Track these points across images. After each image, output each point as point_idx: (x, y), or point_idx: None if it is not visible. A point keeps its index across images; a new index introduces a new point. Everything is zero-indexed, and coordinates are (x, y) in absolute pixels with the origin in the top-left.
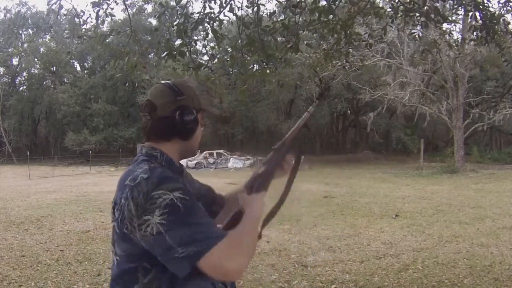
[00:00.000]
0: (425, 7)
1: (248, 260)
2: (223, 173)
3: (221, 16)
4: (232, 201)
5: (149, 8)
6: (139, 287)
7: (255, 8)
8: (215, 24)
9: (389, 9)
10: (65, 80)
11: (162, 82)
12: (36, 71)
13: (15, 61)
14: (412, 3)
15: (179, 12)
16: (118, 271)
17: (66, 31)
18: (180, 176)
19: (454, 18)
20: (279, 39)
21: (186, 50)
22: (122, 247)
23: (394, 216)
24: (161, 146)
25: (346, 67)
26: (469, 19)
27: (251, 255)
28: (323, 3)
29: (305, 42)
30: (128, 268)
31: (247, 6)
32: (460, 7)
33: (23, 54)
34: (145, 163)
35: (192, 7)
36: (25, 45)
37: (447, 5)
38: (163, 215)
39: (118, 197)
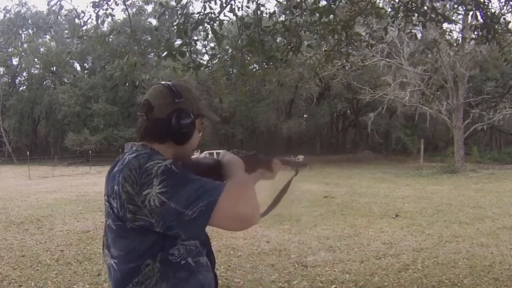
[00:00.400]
0: (425, 7)
1: (257, 203)
2: None
3: (221, 17)
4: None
5: (149, 8)
6: None
7: (255, 8)
8: (215, 24)
9: (389, 9)
10: (65, 80)
11: (162, 82)
12: (36, 71)
13: (15, 61)
14: (412, 3)
15: (179, 12)
16: (119, 274)
17: (66, 31)
18: None
19: (454, 17)
20: (279, 39)
21: (186, 50)
22: (121, 244)
23: (394, 216)
24: (154, 147)
25: (346, 67)
26: (470, 19)
27: (257, 201)
28: (324, 3)
29: (305, 42)
30: (129, 269)
31: (247, 7)
32: (460, 6)
33: (23, 54)
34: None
35: (193, 6)
36: (25, 45)
37: (447, 5)
38: (162, 182)
39: (109, 187)
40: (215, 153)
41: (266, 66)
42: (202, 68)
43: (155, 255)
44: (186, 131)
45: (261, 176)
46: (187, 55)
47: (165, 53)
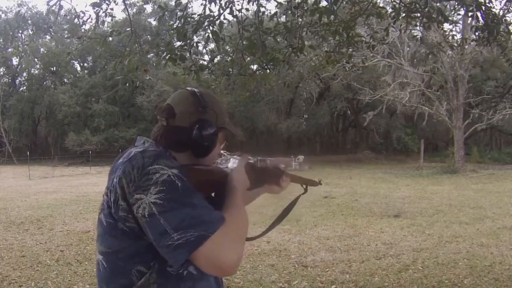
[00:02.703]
0: (427, 8)
1: (243, 248)
2: None
3: (221, 19)
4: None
5: (148, 8)
6: None
7: (256, 10)
8: (215, 27)
9: (390, 10)
10: (65, 80)
11: (189, 88)
12: (36, 71)
13: (15, 61)
14: (413, 3)
15: (178, 15)
16: (108, 272)
17: (66, 32)
18: None
19: (455, 18)
20: (279, 39)
21: (187, 52)
22: (109, 243)
23: (394, 216)
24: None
25: (347, 68)
26: (470, 20)
27: (243, 247)
28: (324, 3)
29: (306, 43)
30: (118, 268)
31: (246, 9)
32: (461, 7)
33: (23, 54)
34: (141, 145)
35: (192, 9)
36: (25, 46)
37: (448, 6)
38: (159, 193)
39: (110, 180)
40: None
41: (267, 68)
42: (203, 71)
43: (147, 262)
44: (207, 144)
45: (267, 190)
46: (188, 57)
47: (166, 56)
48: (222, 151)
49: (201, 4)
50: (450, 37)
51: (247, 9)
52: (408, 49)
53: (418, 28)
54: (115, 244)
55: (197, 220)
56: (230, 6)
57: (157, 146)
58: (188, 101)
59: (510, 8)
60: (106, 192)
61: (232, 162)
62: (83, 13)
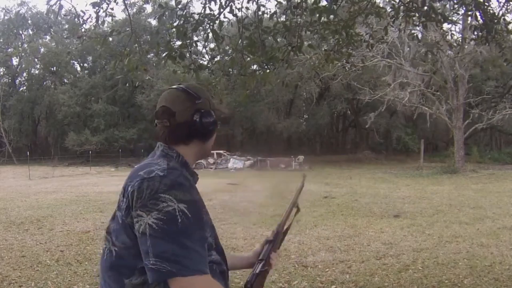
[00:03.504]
0: (426, 7)
1: None
2: (223, 174)
3: (221, 18)
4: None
5: (148, 8)
6: (130, 283)
7: (255, 9)
8: (215, 25)
9: (389, 9)
10: (65, 81)
11: (175, 87)
12: (36, 72)
13: (15, 61)
14: (412, 3)
15: (178, 13)
16: (115, 261)
17: (66, 32)
18: (193, 179)
19: (454, 18)
20: (279, 39)
21: (186, 51)
22: (122, 239)
23: (394, 216)
24: (178, 148)
25: (347, 68)
26: (470, 19)
27: None
28: (324, 3)
29: (305, 43)
30: (125, 264)
31: (247, 8)
32: (460, 7)
33: (23, 54)
34: (164, 160)
35: (193, 7)
36: (25, 45)
37: (448, 5)
38: (158, 220)
39: (127, 184)
40: (215, 154)
41: (266, 67)
42: (203, 70)
43: None
44: (211, 128)
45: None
46: (188, 56)
47: (165, 54)
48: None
49: (201, 3)
50: (449, 36)
51: (247, 8)
52: (408, 49)
53: (418, 28)
54: (127, 241)
55: (176, 258)
56: (230, 4)
57: (170, 149)
58: (181, 98)
59: (509, 7)
60: (123, 192)
61: (232, 162)
62: (83, 12)
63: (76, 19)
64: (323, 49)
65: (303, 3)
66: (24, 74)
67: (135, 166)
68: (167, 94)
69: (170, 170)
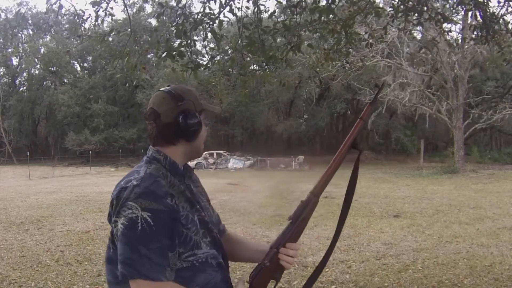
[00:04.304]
0: (425, 7)
1: None
2: (223, 174)
3: (221, 17)
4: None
5: (148, 8)
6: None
7: (255, 9)
8: (214, 25)
9: (389, 9)
10: (65, 81)
11: (162, 89)
12: (36, 72)
13: (15, 61)
14: (411, 2)
15: (178, 12)
16: (111, 256)
17: (66, 32)
18: (182, 179)
19: (454, 17)
20: (279, 39)
21: (185, 50)
22: (112, 239)
23: (394, 216)
24: (166, 150)
25: (346, 68)
26: (469, 19)
27: None
28: (323, 2)
29: (305, 42)
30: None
31: (247, 7)
32: (460, 7)
33: (23, 54)
34: (145, 167)
35: (194, 6)
36: (25, 45)
37: (447, 5)
38: (122, 225)
39: (112, 192)
40: (215, 154)
41: (266, 66)
42: (201, 69)
43: None
44: (194, 129)
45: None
46: (187, 55)
47: (164, 53)
48: (222, 152)
49: (201, 2)
50: (447, 35)
51: (247, 8)
52: (408, 49)
53: (418, 28)
54: (115, 242)
55: (130, 262)
56: (229, 4)
57: (158, 153)
58: (165, 100)
59: (509, 8)
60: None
61: (232, 162)
62: (83, 12)
63: (76, 18)
64: (322, 48)
65: (303, 2)
66: (24, 74)
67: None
68: (154, 96)
69: (144, 179)
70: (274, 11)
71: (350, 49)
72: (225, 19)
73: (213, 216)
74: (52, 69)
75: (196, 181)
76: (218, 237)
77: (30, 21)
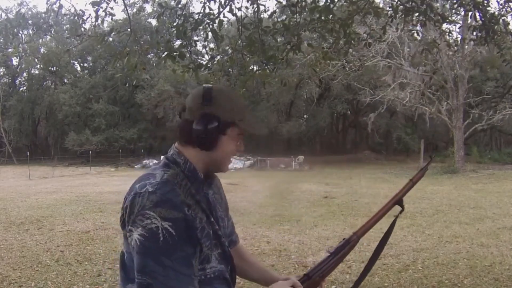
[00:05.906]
0: (424, 7)
1: None
2: (223, 173)
3: (221, 17)
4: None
5: (148, 8)
6: None
7: (255, 9)
8: (214, 25)
9: (388, 8)
10: (65, 81)
11: (204, 85)
12: (36, 72)
13: (15, 61)
14: (411, 2)
15: (178, 13)
16: (125, 263)
17: (66, 32)
18: (200, 188)
19: (454, 18)
20: (279, 39)
21: (186, 50)
22: (126, 246)
23: (394, 216)
24: (186, 152)
25: (346, 68)
26: (469, 19)
27: None
28: (323, 2)
29: (305, 42)
30: (131, 269)
31: (246, 7)
32: (460, 7)
33: (23, 54)
34: (162, 171)
35: (193, 6)
36: (25, 45)
37: (447, 5)
38: (141, 236)
39: (125, 196)
40: None
41: (266, 66)
42: (202, 69)
43: None
44: (207, 137)
45: None
46: (187, 56)
47: (165, 54)
48: None
49: (201, 2)
50: (447, 36)
51: (246, 8)
52: (408, 49)
53: (417, 28)
54: (128, 249)
55: (154, 274)
56: (229, 4)
57: (179, 155)
58: (195, 97)
59: (508, 8)
60: (122, 203)
61: (232, 162)
62: (83, 12)
63: (76, 18)
64: (321, 47)
65: (302, 2)
66: (24, 74)
67: (141, 174)
68: (193, 90)
69: (160, 185)
70: (274, 11)
71: (350, 49)
72: (225, 19)
73: (227, 227)
74: (52, 69)
75: (217, 187)
76: (228, 251)
77: (30, 21)
